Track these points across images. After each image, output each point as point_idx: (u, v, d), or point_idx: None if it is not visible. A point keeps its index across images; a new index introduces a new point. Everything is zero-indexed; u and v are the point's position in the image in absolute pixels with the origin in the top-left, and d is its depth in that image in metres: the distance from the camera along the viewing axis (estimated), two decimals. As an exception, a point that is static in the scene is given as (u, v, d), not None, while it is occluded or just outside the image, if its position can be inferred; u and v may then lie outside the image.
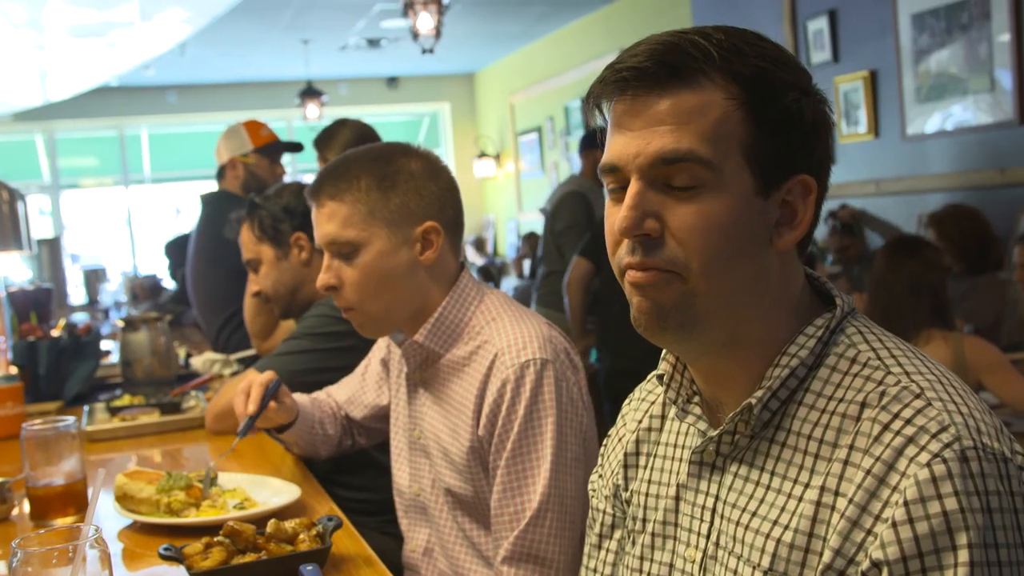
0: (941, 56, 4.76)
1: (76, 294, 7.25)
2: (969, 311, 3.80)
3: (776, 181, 0.98)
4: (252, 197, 2.57)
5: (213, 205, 3.78)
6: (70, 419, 1.79)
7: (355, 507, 2.35)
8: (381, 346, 2.07)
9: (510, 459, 1.63)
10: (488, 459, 1.69)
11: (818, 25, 5.51)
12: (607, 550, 1.22)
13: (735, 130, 0.96)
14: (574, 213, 5.00)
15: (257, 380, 1.92)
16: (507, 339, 1.69)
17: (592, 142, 5.35)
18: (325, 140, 3.63)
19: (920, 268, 3.04)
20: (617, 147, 0.99)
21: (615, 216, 0.99)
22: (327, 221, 1.76)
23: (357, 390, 2.11)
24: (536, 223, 9.93)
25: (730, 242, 0.96)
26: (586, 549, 1.26)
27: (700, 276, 0.96)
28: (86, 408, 2.71)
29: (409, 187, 1.75)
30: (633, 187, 0.97)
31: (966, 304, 3.83)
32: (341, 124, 3.65)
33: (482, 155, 11.11)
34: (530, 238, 9.12)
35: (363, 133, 3.59)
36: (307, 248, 2.52)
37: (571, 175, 5.54)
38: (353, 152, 1.81)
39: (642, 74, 0.97)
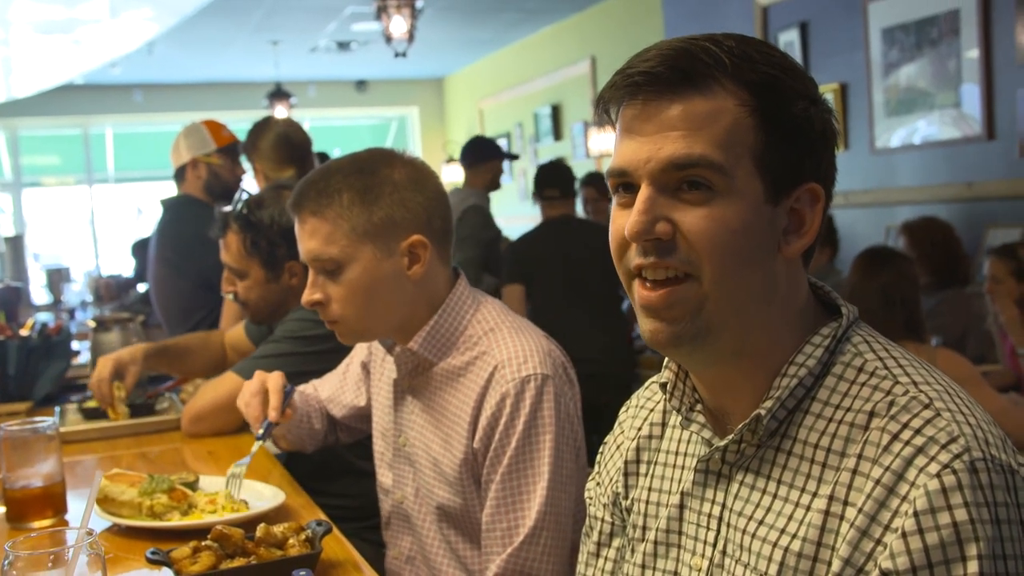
0: (910, 70, 4.83)
1: (39, 294, 7.14)
2: (938, 325, 3.85)
3: (785, 189, 0.99)
4: (244, 210, 2.45)
5: (174, 211, 3.70)
6: (48, 420, 1.76)
7: (333, 513, 2.33)
8: (362, 348, 2.05)
9: (506, 474, 1.61)
10: (481, 472, 1.66)
11: (789, 37, 5.56)
12: (605, 558, 1.21)
13: (746, 137, 0.96)
14: (474, 226, 5.16)
15: (274, 386, 1.88)
16: (508, 352, 1.66)
17: (490, 152, 5.44)
18: (253, 141, 3.43)
19: (893, 279, 3.07)
20: (627, 152, 0.99)
21: (623, 221, 0.99)
22: (309, 238, 1.71)
23: (337, 389, 2.09)
24: (504, 228, 9.91)
25: (741, 248, 0.96)
26: (583, 557, 1.24)
27: (712, 280, 0.96)
28: (57, 409, 2.67)
29: (393, 199, 1.69)
30: (644, 192, 0.97)
31: (934, 319, 3.88)
32: (265, 124, 3.45)
33: (450, 160, 11.07)
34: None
35: (287, 131, 3.41)
36: (299, 275, 2.44)
37: (459, 187, 5.63)
38: (335, 163, 1.76)
39: (654, 79, 0.96)
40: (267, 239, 2.41)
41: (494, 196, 6.00)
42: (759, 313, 0.99)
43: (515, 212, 9.88)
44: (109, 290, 6.25)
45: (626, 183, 1.00)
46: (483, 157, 5.46)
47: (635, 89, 0.98)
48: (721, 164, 0.95)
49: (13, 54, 7.56)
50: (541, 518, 1.59)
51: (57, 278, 6.88)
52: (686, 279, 0.97)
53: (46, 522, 1.72)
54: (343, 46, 9.32)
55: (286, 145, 3.38)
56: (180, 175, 3.71)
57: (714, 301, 0.97)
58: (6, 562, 1.02)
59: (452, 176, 11.09)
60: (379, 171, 1.71)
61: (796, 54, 5.50)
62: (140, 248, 5.78)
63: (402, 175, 1.72)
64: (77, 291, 6.92)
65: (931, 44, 4.69)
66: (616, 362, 4.53)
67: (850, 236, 5.05)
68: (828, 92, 5.30)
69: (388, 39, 6.30)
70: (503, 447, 1.61)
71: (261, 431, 1.85)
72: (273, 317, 2.51)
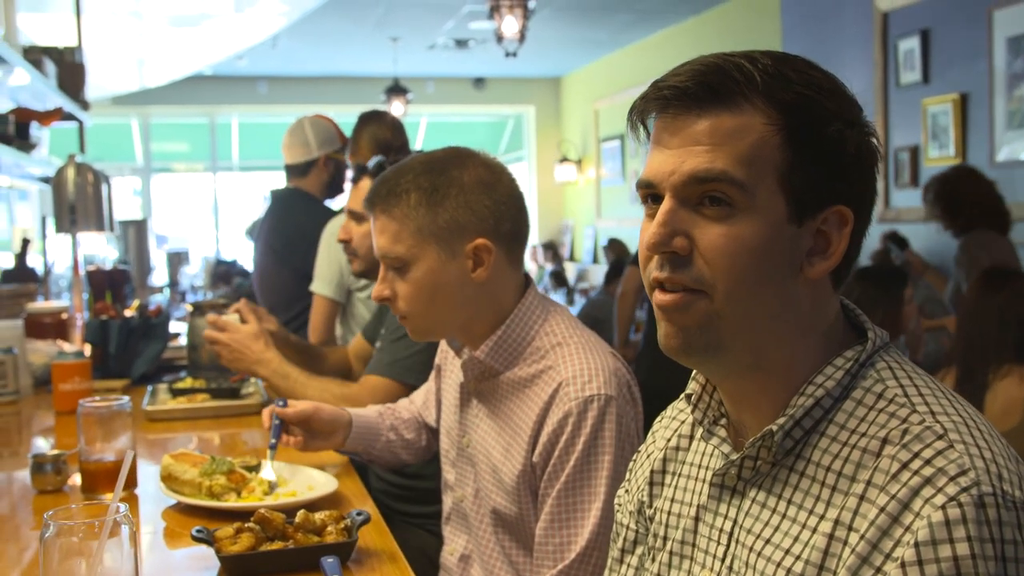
0: (1036, 82, 4.62)
1: (160, 276, 7.45)
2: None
3: (811, 210, 0.97)
4: (383, 165, 2.45)
5: (284, 202, 3.79)
6: (125, 398, 1.85)
7: (397, 493, 2.37)
8: (441, 348, 2.08)
9: (562, 491, 1.61)
10: (538, 485, 1.66)
11: (909, 45, 5.39)
12: (628, 565, 1.22)
13: (771, 155, 0.96)
14: None
15: (264, 412, 1.97)
16: (573, 369, 1.65)
17: None
18: (355, 135, 3.54)
19: (1010, 299, 2.97)
20: (654, 164, 1.00)
21: (647, 232, 1.00)
22: (379, 234, 1.75)
23: (426, 399, 2.12)
24: (615, 230, 9.90)
25: (757, 266, 0.96)
26: (608, 562, 1.26)
27: (724, 298, 0.96)
28: (150, 388, 2.79)
29: (459, 201, 1.70)
30: (666, 204, 0.98)
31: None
32: (372, 119, 3.54)
33: (564, 160, 11.11)
34: (613, 244, 9.08)
35: (384, 131, 3.50)
36: None
37: None
38: (410, 161, 1.78)
39: (682, 93, 0.97)
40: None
41: (608, 197, 6.03)
42: (775, 331, 0.99)
43: (625, 214, 9.84)
44: (219, 275, 6.47)
45: (653, 194, 1.01)
46: None
47: (664, 103, 0.99)
48: (742, 181, 0.95)
49: (147, 46, 7.91)
50: (594, 538, 1.59)
51: (176, 261, 7.16)
52: (698, 293, 0.97)
53: (117, 495, 1.80)
54: (461, 44, 9.44)
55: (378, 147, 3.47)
56: (305, 170, 3.76)
57: (725, 317, 0.97)
58: (47, 531, 1.08)
59: (565, 176, 11.14)
60: (448, 172, 1.72)
61: (916, 62, 5.32)
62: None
63: (472, 177, 1.72)
64: (192, 275, 7.18)
65: (1059, 55, 4.48)
66: None
67: (963, 252, 4.85)
68: (948, 102, 5.12)
69: (499, 38, 6.35)
70: (562, 464, 1.61)
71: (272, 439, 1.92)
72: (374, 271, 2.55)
